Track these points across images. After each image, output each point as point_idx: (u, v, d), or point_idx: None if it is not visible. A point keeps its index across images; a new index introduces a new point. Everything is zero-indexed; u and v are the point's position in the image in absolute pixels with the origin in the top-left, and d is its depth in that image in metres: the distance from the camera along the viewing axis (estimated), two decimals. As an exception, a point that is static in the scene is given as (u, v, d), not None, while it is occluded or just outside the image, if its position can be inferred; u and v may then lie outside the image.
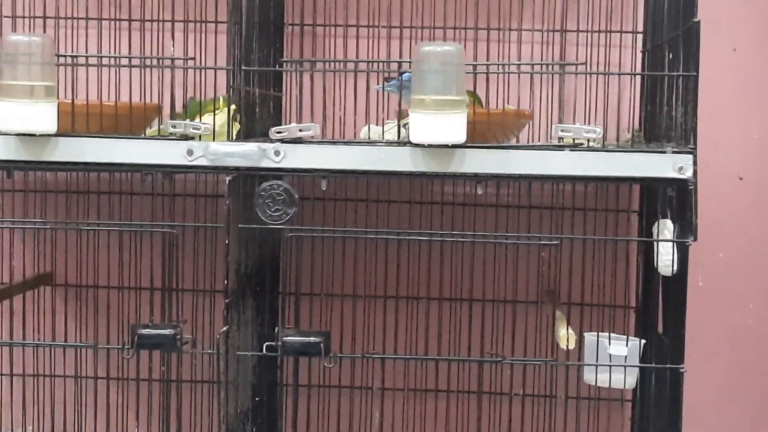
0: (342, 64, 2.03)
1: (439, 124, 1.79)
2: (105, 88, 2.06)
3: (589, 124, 2.12)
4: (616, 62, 2.32)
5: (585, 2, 2.31)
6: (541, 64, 2.22)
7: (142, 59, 1.94)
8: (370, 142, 1.89)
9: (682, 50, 1.88)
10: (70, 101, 1.90)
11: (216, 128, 1.89)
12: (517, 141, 2.13)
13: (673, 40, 1.96)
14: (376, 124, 2.06)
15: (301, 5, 2.26)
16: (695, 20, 1.80)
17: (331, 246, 2.34)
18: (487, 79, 1.93)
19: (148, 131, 2.06)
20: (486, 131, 1.95)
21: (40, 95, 1.81)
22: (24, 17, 2.31)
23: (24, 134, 1.83)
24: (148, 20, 2.16)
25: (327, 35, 2.30)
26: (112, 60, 2.00)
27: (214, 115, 1.93)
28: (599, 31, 2.31)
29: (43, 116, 1.81)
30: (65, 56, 2.03)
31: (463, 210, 2.35)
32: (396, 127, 1.93)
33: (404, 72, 1.92)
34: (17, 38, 1.82)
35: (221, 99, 1.98)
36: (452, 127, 1.79)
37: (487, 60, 2.11)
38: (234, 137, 1.87)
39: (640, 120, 2.28)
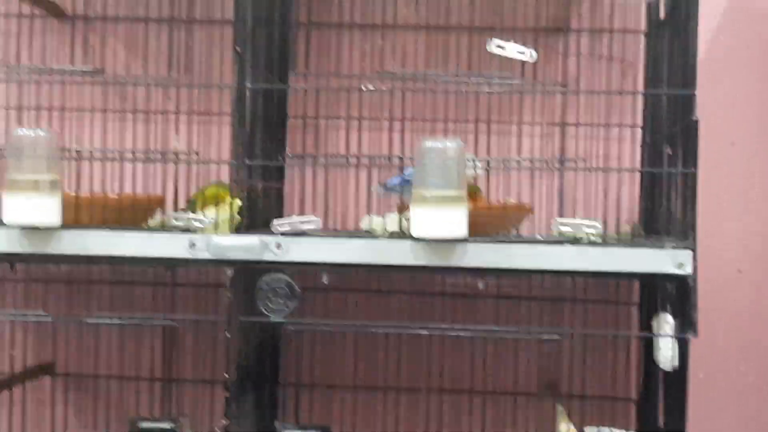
0: (344, 158, 2.05)
1: (440, 219, 1.80)
2: (109, 180, 2.09)
3: (588, 217, 2.14)
4: (615, 155, 2.34)
5: (584, 96, 2.34)
6: (541, 161, 2.24)
7: (146, 154, 1.96)
8: (372, 236, 1.90)
9: (681, 147, 1.90)
10: (75, 194, 1.92)
11: (218, 221, 1.90)
12: (518, 234, 2.14)
13: (672, 135, 1.98)
14: (378, 215, 2.08)
15: (303, 98, 2.29)
16: (694, 118, 1.82)
17: (332, 337, 2.34)
18: (488, 173, 1.95)
19: (151, 222, 2.07)
20: (487, 224, 1.96)
21: (45, 189, 1.83)
22: (29, 108, 2.33)
23: (28, 227, 1.84)
24: (153, 111, 2.19)
25: (330, 127, 2.32)
26: (117, 153, 2.02)
27: (217, 207, 1.94)
28: (598, 125, 2.33)
29: (47, 210, 1.83)
30: (70, 151, 2.05)
31: (464, 300, 2.35)
32: (397, 219, 1.94)
33: (406, 167, 1.94)
34: (23, 133, 1.85)
35: (223, 187, 2.00)
36: (453, 222, 1.81)
37: (488, 153, 2.13)
38: (236, 226, 1.88)
39: (639, 213, 2.29)
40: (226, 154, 2.20)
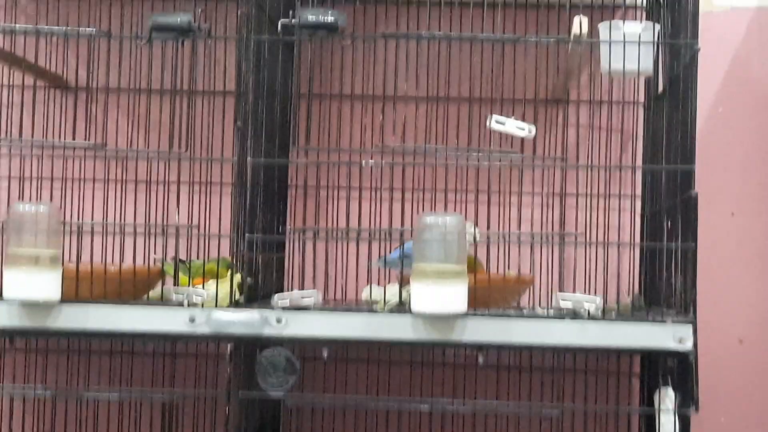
0: (344, 232, 2.05)
1: (440, 295, 1.80)
2: (110, 250, 2.09)
3: (588, 289, 2.14)
4: (615, 224, 2.35)
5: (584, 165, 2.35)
6: (542, 235, 2.24)
7: (147, 227, 1.96)
8: (372, 311, 1.90)
9: (680, 220, 1.91)
10: (75, 266, 1.92)
11: (219, 295, 1.90)
12: (518, 305, 2.14)
13: (672, 208, 1.99)
14: (378, 285, 2.08)
15: (305, 169, 2.30)
16: (693, 194, 1.82)
17: (332, 411, 2.33)
18: (488, 246, 1.95)
19: (152, 294, 2.07)
20: (487, 297, 1.96)
21: (45, 264, 1.83)
22: (31, 178, 2.34)
23: (28, 302, 1.84)
24: (154, 181, 2.20)
25: (330, 196, 2.33)
26: (118, 227, 2.02)
27: (217, 282, 1.94)
28: (598, 196, 2.33)
29: (47, 284, 1.83)
30: (71, 224, 2.05)
31: (464, 372, 2.34)
32: (398, 290, 1.94)
33: (406, 241, 1.94)
34: (24, 208, 1.85)
35: (224, 263, 2.00)
36: (453, 297, 1.81)
37: (488, 222, 2.13)
38: (236, 300, 1.88)
39: (639, 284, 2.29)
40: (227, 221, 2.20)
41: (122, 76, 2.34)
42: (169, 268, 2.00)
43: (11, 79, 2.40)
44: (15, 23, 2.41)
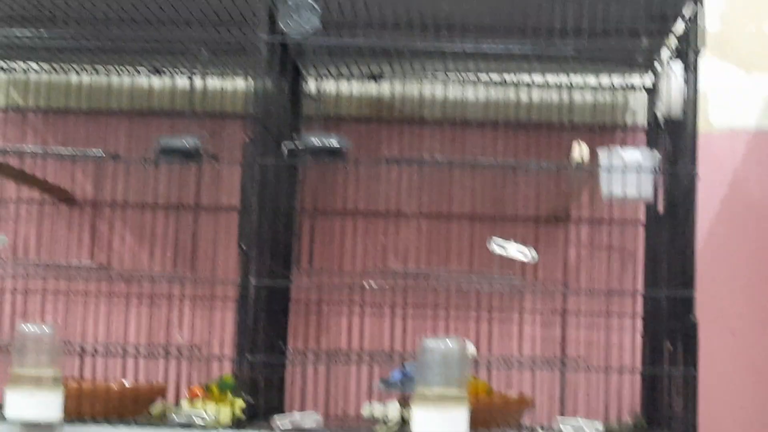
0: (345, 354, 2.06)
1: (441, 419, 1.80)
2: (112, 368, 2.10)
3: (589, 410, 2.14)
4: (616, 343, 2.35)
5: (585, 284, 2.36)
6: (543, 360, 2.25)
7: (149, 347, 1.97)
8: (373, 434, 1.89)
9: (681, 345, 1.91)
10: (77, 383, 1.93)
11: (219, 417, 1.90)
12: (519, 427, 2.13)
13: (672, 332, 1.99)
14: (379, 402, 2.08)
15: (307, 289, 2.31)
16: (693, 320, 1.83)
17: None
18: (489, 369, 1.96)
19: (153, 410, 2.07)
20: (489, 418, 1.96)
21: (47, 385, 1.83)
22: (36, 291, 2.36)
23: (29, 423, 1.84)
24: (158, 295, 2.21)
25: (332, 313, 2.34)
26: (120, 348, 2.04)
27: (218, 403, 1.95)
28: (599, 315, 2.35)
29: (48, 405, 1.83)
30: (74, 346, 2.06)
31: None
32: (399, 409, 1.94)
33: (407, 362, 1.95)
34: (27, 330, 1.86)
35: (226, 384, 2.00)
36: (454, 421, 1.80)
37: (489, 342, 2.14)
38: (237, 420, 1.88)
39: (641, 403, 2.29)
40: (229, 336, 2.21)
41: (128, 191, 2.38)
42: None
43: (18, 193, 2.43)
44: (24, 138, 2.46)
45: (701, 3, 1.89)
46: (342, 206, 2.36)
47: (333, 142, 1.90)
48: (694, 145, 1.90)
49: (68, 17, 2.04)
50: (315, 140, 1.90)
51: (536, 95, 2.40)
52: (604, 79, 2.39)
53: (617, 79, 2.38)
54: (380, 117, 2.43)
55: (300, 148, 1.89)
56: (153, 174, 2.24)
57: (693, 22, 1.92)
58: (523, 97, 2.41)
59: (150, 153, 1.96)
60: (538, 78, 2.38)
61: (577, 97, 2.39)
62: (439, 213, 2.35)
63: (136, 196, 2.39)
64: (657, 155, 1.94)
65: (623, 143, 2.41)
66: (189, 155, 1.91)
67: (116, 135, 2.43)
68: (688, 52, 1.94)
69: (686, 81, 1.95)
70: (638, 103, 2.42)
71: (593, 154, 1.96)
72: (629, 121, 2.43)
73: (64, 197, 2.41)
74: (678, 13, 1.98)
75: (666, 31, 2.06)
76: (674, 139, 2.07)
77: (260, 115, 1.93)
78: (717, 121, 2.45)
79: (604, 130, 2.40)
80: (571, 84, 2.37)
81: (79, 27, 2.08)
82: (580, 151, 1.87)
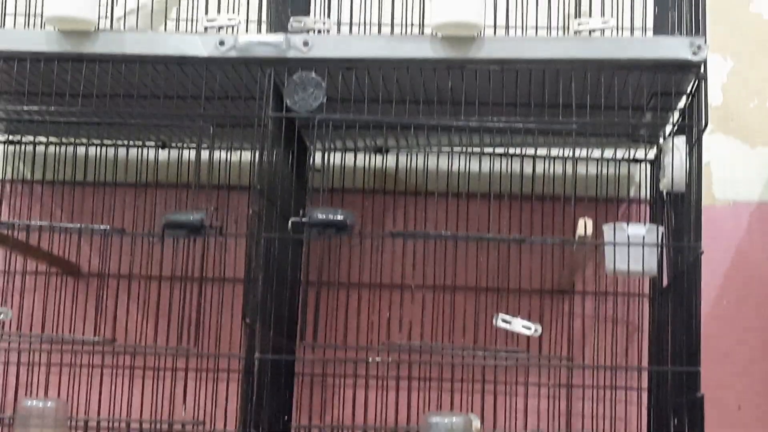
0: (350, 429, 2.06)
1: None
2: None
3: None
4: (622, 417, 2.34)
5: (590, 356, 2.35)
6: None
7: (153, 423, 1.97)
8: None
9: (687, 420, 1.90)
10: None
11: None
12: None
13: (678, 407, 1.98)
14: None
15: (312, 359, 2.31)
16: (699, 394, 1.83)
17: None
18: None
19: None
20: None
21: (52, 461, 1.83)
22: (40, 364, 2.36)
23: None
24: (162, 368, 2.21)
25: (337, 389, 2.33)
26: (124, 423, 2.03)
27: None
28: (605, 388, 2.34)
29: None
30: (78, 420, 2.06)
31: None
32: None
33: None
34: (31, 404, 1.86)
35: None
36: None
37: (494, 417, 2.13)
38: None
39: (648, 477, 2.28)
40: (233, 411, 2.21)
41: (134, 263, 2.38)
42: None
43: (24, 265, 2.43)
44: (31, 209, 2.47)
45: (705, 80, 1.90)
46: (347, 278, 2.37)
47: (338, 216, 1.90)
48: (698, 221, 1.90)
49: (75, 92, 2.05)
50: (320, 214, 1.90)
51: (540, 168, 2.41)
52: (608, 153, 2.40)
53: (621, 153, 2.39)
54: (386, 189, 2.44)
55: (305, 222, 1.90)
56: (158, 246, 2.24)
57: (696, 99, 1.93)
58: (527, 169, 2.42)
59: (156, 227, 1.97)
60: (542, 151, 2.39)
61: (581, 169, 2.40)
62: (444, 285, 2.36)
63: (142, 268, 2.40)
64: (661, 230, 1.95)
65: (627, 216, 2.43)
66: (194, 230, 1.92)
67: (123, 207, 2.44)
68: (691, 128, 1.96)
69: (690, 156, 1.97)
70: (642, 175, 2.43)
71: (597, 230, 1.97)
72: (633, 193, 2.44)
73: (69, 269, 2.42)
74: (681, 90, 2.00)
75: (669, 106, 2.08)
76: (678, 213, 2.08)
77: (265, 189, 1.95)
78: (720, 193, 2.46)
79: (609, 202, 2.41)
80: (575, 157, 2.38)
81: (86, 102, 2.10)
82: (584, 226, 1.88)
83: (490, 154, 2.41)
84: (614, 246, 1.91)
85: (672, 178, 1.99)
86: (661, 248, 1.95)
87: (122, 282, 2.43)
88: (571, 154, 2.38)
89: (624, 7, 2.00)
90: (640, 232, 1.92)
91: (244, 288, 1.98)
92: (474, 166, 2.42)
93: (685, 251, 1.93)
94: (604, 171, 2.41)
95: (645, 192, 2.42)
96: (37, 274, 2.43)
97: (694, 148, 1.95)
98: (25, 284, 2.44)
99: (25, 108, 2.09)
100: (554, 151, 2.39)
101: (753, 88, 2.48)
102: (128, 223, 2.43)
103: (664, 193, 2.13)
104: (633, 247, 1.91)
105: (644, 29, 2.13)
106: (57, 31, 1.96)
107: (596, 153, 2.39)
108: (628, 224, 1.93)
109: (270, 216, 1.96)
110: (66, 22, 1.94)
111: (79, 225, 2.07)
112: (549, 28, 2.14)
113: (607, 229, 1.94)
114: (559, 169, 2.40)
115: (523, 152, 2.40)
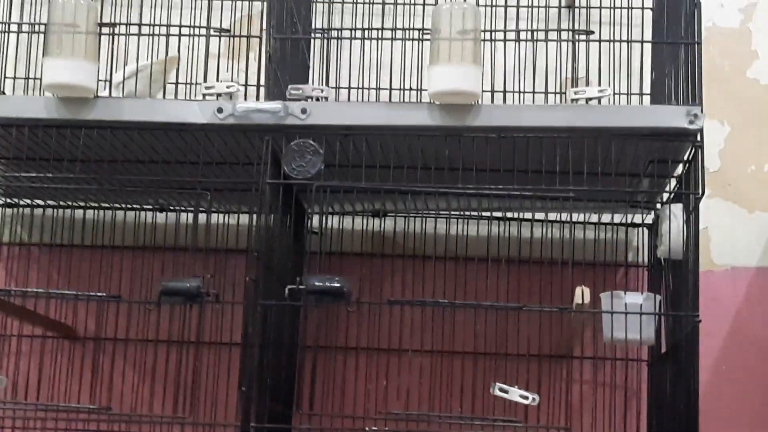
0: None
1: None
2: None
3: None
4: None
5: (589, 415, 2.34)
6: None
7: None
8: None
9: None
10: None
11: None
12: None
13: None
14: None
15: (309, 428, 2.30)
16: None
17: None
18: None
19: None
20: None
21: None
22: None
23: None
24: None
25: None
26: None
27: None
28: (604, 455, 2.33)
29: None
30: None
31: None
32: None
33: None
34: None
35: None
36: None
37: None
38: None
39: None
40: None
41: (131, 329, 2.38)
42: None
43: (21, 329, 2.43)
44: (29, 272, 2.47)
45: (701, 149, 1.90)
46: (344, 344, 2.36)
47: (335, 283, 1.90)
48: (695, 289, 1.89)
49: (73, 157, 2.06)
50: (317, 282, 1.90)
51: (538, 232, 2.41)
52: (606, 217, 2.40)
53: (619, 217, 2.39)
54: (383, 253, 2.44)
55: (302, 289, 1.89)
56: (155, 311, 2.23)
57: (693, 167, 1.94)
58: (525, 233, 2.42)
59: (153, 291, 1.97)
60: (539, 215, 2.39)
61: (579, 234, 2.40)
62: (443, 350, 2.35)
63: (139, 332, 2.39)
64: (658, 299, 1.95)
65: (625, 280, 2.42)
66: (191, 297, 1.91)
67: (120, 270, 2.44)
68: (688, 196, 1.95)
69: (687, 224, 1.96)
70: (640, 240, 2.43)
71: (595, 295, 1.96)
72: (631, 258, 2.44)
73: (66, 333, 2.41)
74: (678, 157, 2.00)
75: (667, 173, 2.08)
76: (676, 278, 2.07)
77: (263, 253, 1.94)
78: (719, 259, 2.46)
79: (606, 267, 2.40)
80: (572, 221, 2.38)
81: (84, 167, 2.10)
82: (581, 294, 1.88)
83: (487, 218, 2.40)
84: (612, 315, 1.90)
85: (669, 246, 1.99)
86: (659, 317, 1.95)
87: (119, 346, 2.42)
88: (568, 219, 2.38)
89: (620, 75, 2.01)
90: (637, 300, 1.91)
91: (241, 355, 1.97)
92: (472, 230, 2.42)
93: (683, 320, 1.92)
94: (602, 235, 2.41)
95: (643, 257, 2.42)
96: (33, 337, 2.42)
97: (692, 216, 1.95)
98: (21, 348, 2.43)
99: (23, 175, 2.09)
100: (552, 215, 2.39)
101: (750, 154, 2.49)
102: (125, 285, 2.42)
103: (662, 259, 2.12)
104: (630, 315, 1.90)
105: (641, 96, 2.15)
106: (56, 97, 1.96)
107: (594, 217, 2.39)
108: (625, 293, 1.93)
109: (268, 282, 1.95)
110: (65, 90, 1.94)
111: (75, 292, 2.06)
112: (546, 94, 2.15)
113: (605, 298, 1.94)
114: (556, 233, 2.40)
115: (521, 216, 2.40)
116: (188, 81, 2.18)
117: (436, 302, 1.95)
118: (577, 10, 2.23)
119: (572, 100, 1.93)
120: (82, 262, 2.46)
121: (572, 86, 1.95)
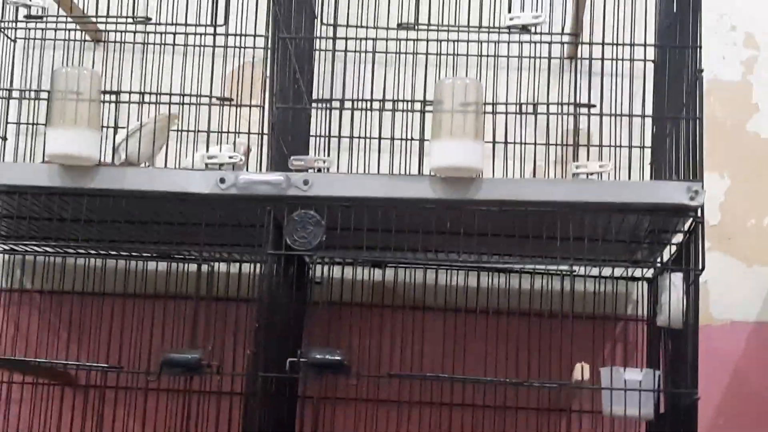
0: None
1: None
2: None
3: None
4: None
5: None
6: None
7: None
8: None
9: None
10: None
11: None
12: None
13: None
14: None
15: None
16: None
17: None
18: None
19: None
20: None
21: None
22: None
23: None
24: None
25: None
26: None
27: None
28: None
29: None
30: None
31: None
32: None
33: None
34: None
35: None
36: None
37: None
38: None
39: None
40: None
41: (134, 378, 2.39)
42: None
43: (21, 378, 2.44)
44: (29, 318, 2.48)
45: (702, 225, 1.91)
46: (342, 419, 2.37)
47: (335, 356, 1.91)
48: (695, 364, 1.90)
49: (76, 218, 2.06)
50: (317, 354, 1.91)
51: (538, 284, 2.42)
52: (606, 269, 2.40)
53: (619, 271, 2.40)
54: (384, 303, 2.45)
55: (302, 362, 1.90)
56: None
57: (693, 240, 1.94)
58: (525, 285, 2.43)
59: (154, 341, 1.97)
60: (540, 266, 2.40)
61: (579, 287, 2.40)
62: (441, 403, 2.36)
63: (141, 381, 2.40)
64: (658, 374, 1.96)
65: (624, 334, 2.43)
66: (192, 368, 1.92)
67: (123, 316, 2.45)
68: (688, 267, 1.96)
69: (687, 296, 1.97)
70: (640, 293, 2.44)
71: (595, 342, 1.97)
72: (630, 311, 2.45)
73: (68, 381, 2.43)
74: (679, 228, 2.01)
75: (667, 241, 2.09)
76: (675, 345, 2.08)
77: (264, 326, 1.95)
78: (718, 313, 2.46)
79: (606, 320, 2.41)
80: (573, 273, 2.39)
81: (87, 226, 2.11)
82: (581, 371, 1.89)
83: (488, 270, 2.41)
84: (611, 391, 1.91)
85: (669, 316, 1.99)
86: (658, 393, 1.96)
87: (120, 395, 2.43)
88: (569, 271, 2.38)
89: (621, 150, 2.01)
90: (636, 377, 1.92)
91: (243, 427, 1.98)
92: (472, 281, 2.42)
93: (682, 396, 1.93)
94: (602, 288, 2.42)
95: (642, 310, 2.43)
96: (35, 385, 2.44)
97: (692, 288, 1.96)
98: (24, 395, 2.44)
99: (26, 243, 2.09)
100: (552, 266, 2.40)
101: (751, 207, 2.49)
102: (126, 331, 2.43)
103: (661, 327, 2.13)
104: (629, 392, 1.91)
105: (641, 171, 2.16)
106: (58, 166, 1.97)
107: (594, 270, 2.40)
108: (624, 369, 1.94)
109: (266, 358, 1.95)
110: (67, 159, 1.95)
111: (76, 363, 2.07)
112: (546, 167, 2.16)
113: (604, 373, 1.95)
114: (557, 285, 2.41)
115: (522, 268, 2.41)
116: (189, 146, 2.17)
117: (437, 376, 1.96)
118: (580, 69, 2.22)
119: (573, 175, 1.93)
120: (84, 309, 2.46)
121: (573, 160, 1.95)
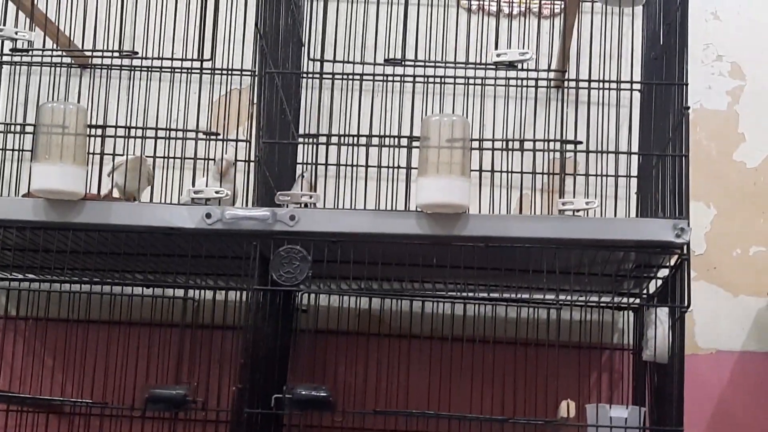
0: None
1: None
2: None
3: None
4: None
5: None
6: None
7: None
8: None
9: None
10: None
11: None
12: None
13: None
14: None
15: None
16: None
17: None
18: None
19: None
20: None
21: None
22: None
23: None
24: None
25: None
26: None
27: None
28: None
29: None
30: None
31: None
32: None
33: None
34: None
35: None
36: None
37: None
38: None
39: None
40: None
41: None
42: None
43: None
44: (15, 345, 2.47)
45: (688, 262, 1.91)
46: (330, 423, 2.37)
47: (321, 392, 1.91)
48: (680, 402, 1.90)
49: (62, 250, 2.06)
50: (303, 391, 1.91)
51: (524, 313, 2.42)
52: (592, 298, 2.41)
53: (605, 299, 2.40)
54: (370, 331, 2.44)
55: (288, 398, 1.90)
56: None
57: (679, 277, 1.94)
58: (512, 314, 2.43)
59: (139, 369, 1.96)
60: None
61: (565, 315, 2.41)
62: (427, 432, 2.36)
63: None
64: (644, 411, 1.96)
65: (610, 363, 2.43)
66: (177, 404, 1.92)
67: (109, 343, 2.45)
68: (673, 306, 1.96)
69: (672, 332, 1.97)
70: (625, 322, 2.44)
71: (580, 380, 1.97)
72: (616, 340, 2.45)
73: (51, 410, 2.42)
74: (665, 264, 2.01)
75: (653, 274, 2.10)
76: (661, 382, 2.08)
77: (250, 362, 1.94)
78: (703, 342, 2.47)
79: (592, 349, 2.42)
80: (559, 302, 2.38)
81: (73, 257, 2.10)
82: (566, 408, 1.89)
83: (475, 300, 2.41)
84: (597, 428, 1.92)
85: (655, 350, 2.00)
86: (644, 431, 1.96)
87: (104, 421, 2.42)
88: (555, 300, 2.38)
89: (607, 180, 2.01)
90: (622, 414, 1.93)
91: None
92: (458, 309, 2.42)
93: (668, 433, 1.94)
94: (588, 317, 2.42)
95: (629, 339, 2.43)
96: (20, 412, 2.43)
97: (677, 324, 1.96)
98: (7, 422, 2.44)
99: (10, 277, 2.08)
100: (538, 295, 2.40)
101: (736, 237, 2.50)
102: (112, 358, 2.43)
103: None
104: (615, 429, 1.92)
105: (628, 201, 2.15)
106: (44, 200, 1.96)
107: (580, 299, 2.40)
108: (610, 406, 1.95)
109: (254, 390, 1.95)
110: (53, 194, 1.94)
111: (60, 398, 2.07)
112: (533, 204, 2.16)
113: (590, 410, 1.95)
114: (543, 315, 2.41)
115: (508, 296, 2.41)
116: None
117: (423, 413, 1.95)
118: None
119: (559, 211, 1.93)
120: (70, 336, 2.45)
121: (560, 196, 1.95)
